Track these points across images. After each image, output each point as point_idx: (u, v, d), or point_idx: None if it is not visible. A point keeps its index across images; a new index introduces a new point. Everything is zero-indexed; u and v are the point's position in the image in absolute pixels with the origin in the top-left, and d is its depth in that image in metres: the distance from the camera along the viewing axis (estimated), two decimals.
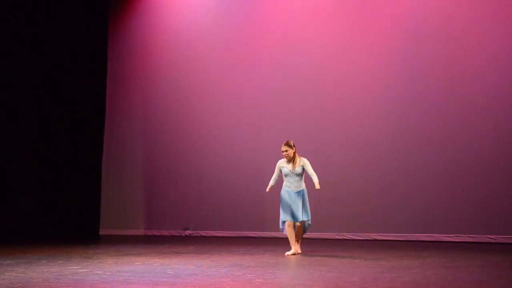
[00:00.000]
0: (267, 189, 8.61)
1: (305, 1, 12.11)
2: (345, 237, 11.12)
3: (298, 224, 8.30)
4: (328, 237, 11.21)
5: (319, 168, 11.37)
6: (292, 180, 8.35)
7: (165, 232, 13.12)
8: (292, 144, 8.36)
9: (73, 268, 6.61)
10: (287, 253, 8.34)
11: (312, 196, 11.38)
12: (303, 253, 8.43)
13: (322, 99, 11.66)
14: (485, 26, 10.36)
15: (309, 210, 8.36)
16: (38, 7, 13.67)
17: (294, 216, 8.29)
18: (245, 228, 12.14)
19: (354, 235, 11.09)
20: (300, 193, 8.33)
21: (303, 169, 8.38)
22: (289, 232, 8.34)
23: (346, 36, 11.58)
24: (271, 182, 8.56)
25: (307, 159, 8.46)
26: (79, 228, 13.46)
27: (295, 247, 8.36)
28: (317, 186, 8.28)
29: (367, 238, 10.93)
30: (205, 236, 12.49)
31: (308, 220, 8.36)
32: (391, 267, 6.53)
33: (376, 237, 10.85)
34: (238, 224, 12.24)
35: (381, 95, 11.16)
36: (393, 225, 10.76)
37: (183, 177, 13.14)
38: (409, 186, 10.71)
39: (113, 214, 13.82)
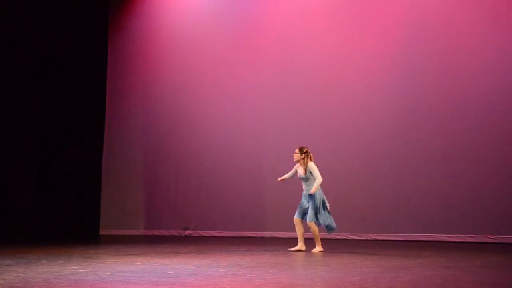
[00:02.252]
0: (279, 179, 9.20)
1: (306, 1, 12.11)
2: (345, 237, 11.11)
3: (309, 225, 8.70)
4: (328, 237, 11.19)
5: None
6: (303, 184, 8.85)
7: (165, 232, 13.12)
8: (303, 151, 8.81)
9: (73, 268, 6.60)
10: (291, 249, 8.82)
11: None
12: (304, 253, 8.42)
13: (322, 100, 11.67)
14: (486, 27, 10.35)
15: (321, 212, 8.64)
16: (39, 7, 13.67)
17: (303, 215, 8.81)
18: (245, 228, 12.14)
19: (354, 235, 11.09)
20: (310, 196, 8.68)
21: (310, 173, 8.73)
22: (297, 229, 8.88)
23: (347, 36, 11.59)
24: (285, 176, 9.11)
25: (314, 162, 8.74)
26: (79, 228, 13.47)
27: (300, 244, 8.84)
28: (312, 190, 8.60)
29: (367, 238, 10.93)
30: (205, 236, 12.49)
31: (317, 221, 8.65)
32: (391, 267, 6.52)
33: (376, 237, 10.85)
34: (238, 224, 12.24)
35: (380, 95, 11.16)
36: (393, 225, 10.76)
37: (183, 177, 13.14)
38: (409, 186, 10.71)
39: (113, 214, 13.82)
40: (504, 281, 5.49)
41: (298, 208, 8.87)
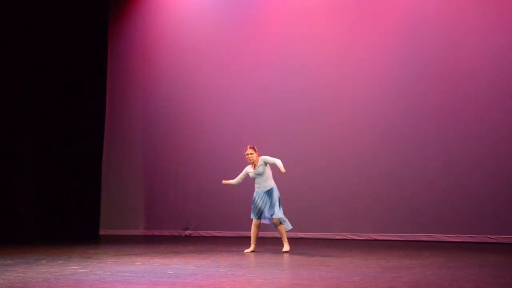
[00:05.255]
0: (224, 182, 9.09)
1: (305, 1, 12.11)
2: (345, 237, 11.12)
3: (275, 222, 8.59)
4: (328, 237, 11.22)
5: (319, 168, 11.44)
6: (259, 181, 8.71)
7: (165, 232, 13.12)
8: (255, 149, 8.79)
9: (73, 268, 6.61)
10: (245, 250, 8.77)
11: (313, 196, 11.39)
12: (303, 253, 8.43)
13: (322, 100, 11.67)
14: (487, 27, 10.35)
15: (277, 206, 8.53)
16: (38, 8, 13.68)
17: (262, 215, 8.66)
18: (245, 228, 12.11)
19: (354, 235, 11.08)
20: (268, 192, 8.63)
21: (265, 166, 8.69)
22: (252, 230, 8.79)
23: (346, 37, 11.59)
24: (233, 181, 8.98)
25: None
26: (79, 228, 13.47)
27: (253, 247, 8.76)
28: (282, 169, 8.44)
29: (367, 238, 10.93)
30: (205, 236, 12.49)
31: (276, 216, 8.53)
32: (391, 267, 6.52)
33: (376, 237, 10.85)
34: (238, 224, 12.24)
35: (381, 95, 11.16)
36: (393, 225, 10.76)
37: (183, 177, 13.14)
38: (409, 186, 10.71)
39: (113, 214, 13.82)
40: (504, 281, 5.49)
41: (254, 209, 8.70)
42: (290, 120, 11.95)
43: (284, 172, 8.42)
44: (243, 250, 8.83)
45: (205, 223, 12.72)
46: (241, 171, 9.02)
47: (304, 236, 11.08)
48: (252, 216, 8.77)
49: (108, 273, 6.17)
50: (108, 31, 14.34)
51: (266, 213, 8.56)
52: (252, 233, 8.77)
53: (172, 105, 13.41)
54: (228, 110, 12.72)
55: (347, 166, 11.28)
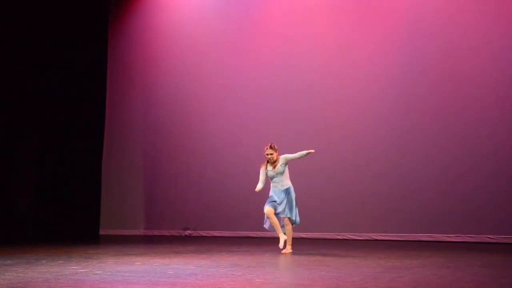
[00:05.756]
0: (257, 189, 8.56)
1: (305, 1, 12.12)
2: (345, 237, 11.12)
3: (286, 223, 8.43)
4: (328, 237, 11.22)
5: (319, 168, 11.44)
6: (277, 180, 8.54)
7: (165, 232, 13.12)
8: (276, 148, 8.58)
9: (73, 268, 6.60)
10: (281, 247, 8.39)
11: (313, 196, 11.40)
12: (303, 253, 8.43)
13: (322, 100, 11.67)
14: (485, 28, 10.35)
15: (294, 208, 8.45)
16: (38, 8, 13.68)
17: (277, 210, 8.41)
18: (245, 228, 12.14)
19: (354, 235, 11.09)
20: (286, 191, 8.51)
21: (286, 165, 8.56)
22: (272, 222, 8.40)
23: (346, 37, 11.59)
24: (261, 186, 8.57)
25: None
26: (79, 228, 13.47)
27: (282, 235, 8.40)
28: (311, 151, 8.46)
29: (367, 238, 10.93)
30: (205, 236, 12.49)
31: (292, 217, 8.43)
32: (391, 267, 6.52)
33: (376, 237, 10.85)
34: (238, 224, 12.24)
35: (381, 95, 11.16)
36: (393, 225, 10.76)
37: (183, 177, 13.14)
38: (409, 186, 10.71)
39: (113, 214, 13.82)
40: (504, 281, 5.49)
41: (269, 201, 8.44)
42: (290, 120, 11.95)
43: (314, 151, 8.42)
44: (243, 250, 8.83)
45: (205, 223, 12.72)
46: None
47: (304, 236, 11.08)
48: (265, 206, 8.44)
49: (108, 273, 6.17)
50: (108, 31, 14.34)
51: (285, 213, 8.40)
52: (273, 224, 8.40)
53: (172, 105, 13.42)
54: (228, 110, 12.72)
55: (347, 166, 11.28)
